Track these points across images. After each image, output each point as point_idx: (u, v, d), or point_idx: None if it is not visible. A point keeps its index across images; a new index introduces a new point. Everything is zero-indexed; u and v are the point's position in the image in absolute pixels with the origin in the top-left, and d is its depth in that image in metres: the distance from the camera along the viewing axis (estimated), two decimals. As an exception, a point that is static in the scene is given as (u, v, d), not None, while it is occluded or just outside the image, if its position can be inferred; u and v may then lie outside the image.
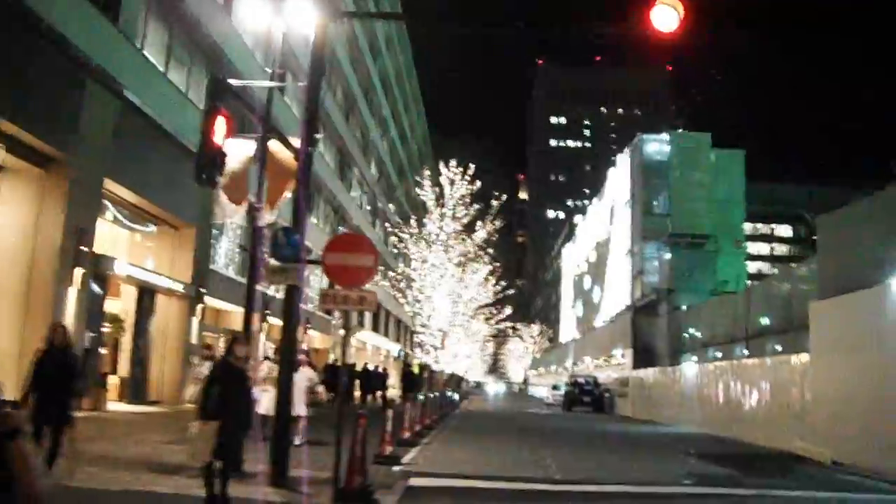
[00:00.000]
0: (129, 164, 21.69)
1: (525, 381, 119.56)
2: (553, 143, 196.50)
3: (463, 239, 38.90)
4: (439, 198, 39.10)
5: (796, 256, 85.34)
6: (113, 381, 23.83)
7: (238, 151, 12.80)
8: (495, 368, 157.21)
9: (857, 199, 19.76)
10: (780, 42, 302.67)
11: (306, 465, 11.58)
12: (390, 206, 48.40)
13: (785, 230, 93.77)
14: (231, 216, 12.72)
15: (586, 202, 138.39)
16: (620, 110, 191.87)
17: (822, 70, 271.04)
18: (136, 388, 24.22)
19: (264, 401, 14.24)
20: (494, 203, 40.24)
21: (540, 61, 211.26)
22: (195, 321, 26.38)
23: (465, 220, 38.89)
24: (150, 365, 25.06)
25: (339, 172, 50.83)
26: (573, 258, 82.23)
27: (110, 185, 21.40)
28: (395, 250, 41.83)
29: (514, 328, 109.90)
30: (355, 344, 56.30)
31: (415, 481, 11.79)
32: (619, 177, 51.46)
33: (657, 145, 46.32)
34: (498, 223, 40.11)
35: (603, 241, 59.29)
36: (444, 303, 39.32)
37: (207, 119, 8.63)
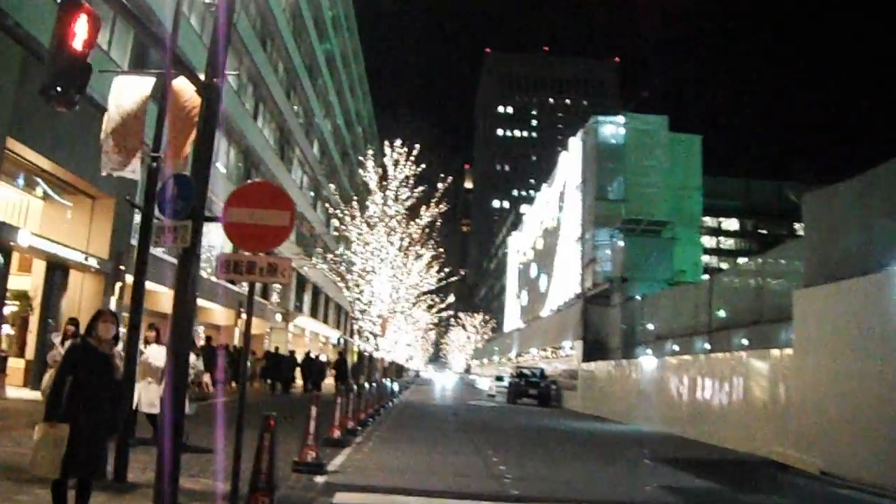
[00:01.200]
0: (38, 122, 19.04)
1: (467, 371, 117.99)
2: (500, 132, 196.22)
3: (406, 223, 36.59)
4: (382, 179, 36.80)
5: (743, 250, 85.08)
6: (18, 364, 21.34)
7: (133, 89, 10.32)
8: (437, 358, 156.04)
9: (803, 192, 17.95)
10: (728, 35, 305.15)
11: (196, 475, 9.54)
12: (332, 186, 45.79)
13: (731, 223, 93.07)
14: (120, 168, 10.20)
15: (532, 192, 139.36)
16: (568, 100, 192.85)
17: (769, 64, 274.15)
18: (41, 373, 21.42)
19: (147, 395, 11.97)
20: (440, 186, 37.92)
21: (487, 49, 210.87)
22: (113, 301, 23.69)
23: (408, 203, 36.57)
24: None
25: (280, 151, 48.15)
26: (519, 246, 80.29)
27: (15, 145, 18.77)
28: (336, 233, 39.38)
29: (455, 317, 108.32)
30: (293, 330, 53.78)
31: (341, 497, 9.48)
32: (571, 161, 49.47)
33: (612, 128, 44.36)
34: (443, 207, 37.73)
35: (552, 228, 57.37)
36: (384, 288, 37.04)
37: (64, 15, 6.06)
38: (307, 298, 60.38)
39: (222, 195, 34.61)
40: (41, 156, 20.00)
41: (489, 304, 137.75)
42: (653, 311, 35.52)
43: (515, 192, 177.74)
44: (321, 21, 58.95)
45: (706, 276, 40.11)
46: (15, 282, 21.75)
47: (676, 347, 31.79)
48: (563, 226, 50.37)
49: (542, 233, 62.12)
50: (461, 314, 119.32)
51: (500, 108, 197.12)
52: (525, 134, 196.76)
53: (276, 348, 42.48)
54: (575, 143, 49.22)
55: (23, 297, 21.69)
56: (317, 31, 56.84)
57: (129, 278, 25.35)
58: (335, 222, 38.61)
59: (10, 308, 21.66)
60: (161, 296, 37.76)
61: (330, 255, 39.31)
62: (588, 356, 40.10)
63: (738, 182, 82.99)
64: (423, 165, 37.24)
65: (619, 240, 40.57)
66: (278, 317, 49.44)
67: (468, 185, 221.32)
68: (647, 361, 29.31)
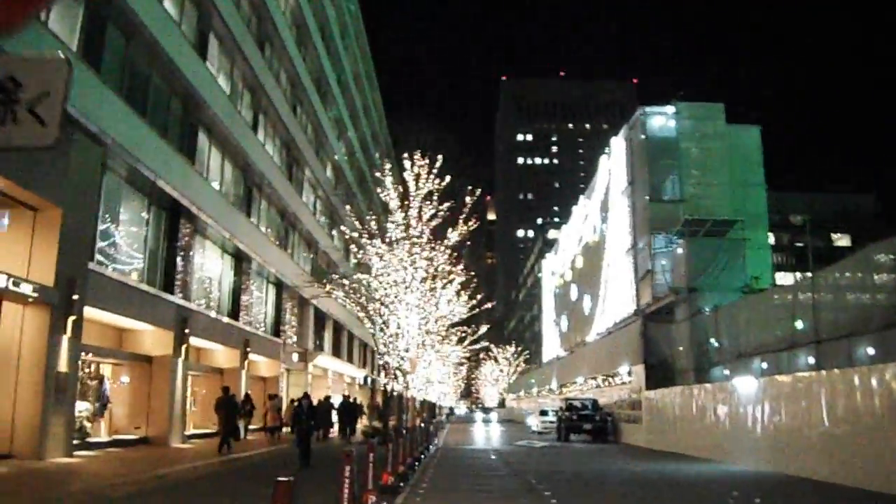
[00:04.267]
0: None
1: (501, 406, 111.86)
2: (520, 160, 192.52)
3: (431, 247, 31.61)
4: (403, 198, 31.95)
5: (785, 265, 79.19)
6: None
7: None
8: (468, 393, 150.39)
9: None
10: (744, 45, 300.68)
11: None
12: (348, 207, 41.01)
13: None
14: None
15: (556, 219, 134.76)
16: (587, 125, 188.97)
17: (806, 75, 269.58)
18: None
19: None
20: (468, 199, 32.86)
21: (504, 77, 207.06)
22: (65, 340, 18.51)
23: (433, 223, 31.61)
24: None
25: (287, 172, 43.12)
26: (554, 269, 74.45)
27: None
28: (356, 260, 34.38)
29: (487, 350, 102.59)
30: (313, 371, 48.42)
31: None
32: (614, 164, 43.98)
33: (661, 119, 39.02)
34: (472, 224, 32.62)
35: (593, 243, 51.85)
36: (411, 319, 31.99)
37: None
38: (328, 336, 55.07)
39: (219, 218, 29.59)
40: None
41: (521, 335, 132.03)
42: (730, 325, 30.01)
43: (539, 220, 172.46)
44: (327, 33, 54.17)
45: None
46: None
47: (765, 365, 26.35)
48: (608, 238, 44.74)
49: (582, 250, 56.55)
50: (492, 347, 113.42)
51: (520, 136, 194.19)
52: (546, 161, 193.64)
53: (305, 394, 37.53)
54: (618, 143, 43.82)
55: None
56: (323, 44, 52.07)
57: (90, 310, 20.41)
58: (353, 248, 33.76)
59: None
60: (216, 352, 32.89)
61: (347, 282, 34.45)
62: (651, 382, 34.46)
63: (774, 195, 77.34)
64: (448, 178, 32.39)
65: (680, 246, 35.12)
66: (295, 357, 44.22)
67: (491, 216, 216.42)
68: (745, 384, 23.64)
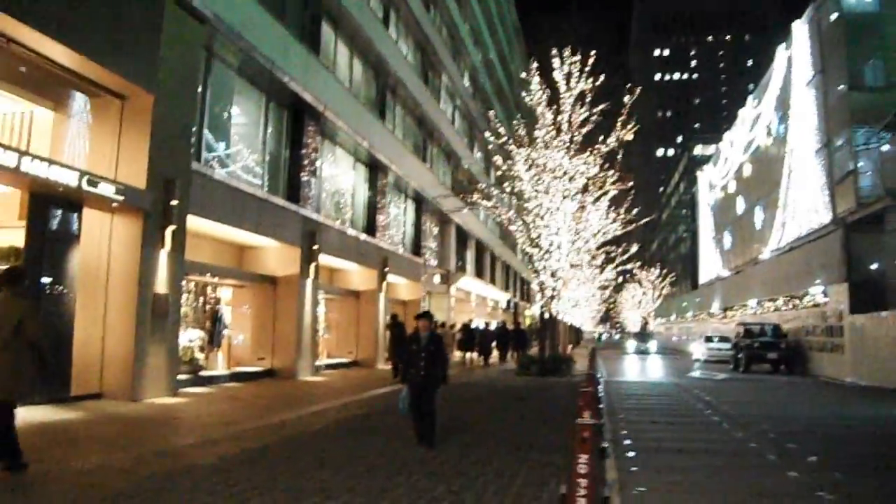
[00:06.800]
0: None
1: (643, 331, 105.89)
2: (657, 77, 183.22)
3: (589, 153, 27.69)
4: (552, 101, 27.68)
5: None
6: None
7: None
8: (607, 317, 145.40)
9: None
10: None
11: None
12: (492, 113, 36.72)
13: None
14: None
15: (701, 135, 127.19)
16: (728, 36, 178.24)
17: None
18: (48, 377, 12.74)
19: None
20: (626, 99, 28.30)
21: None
22: (163, 255, 14.95)
23: (584, 129, 27.29)
24: (74, 334, 13.75)
25: (424, 77, 38.87)
26: (713, 181, 68.01)
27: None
28: (501, 171, 30.19)
29: (629, 273, 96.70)
30: (455, 294, 44.74)
31: None
32: (797, 53, 37.76)
33: (859, -9, 32.80)
34: (632, 128, 28.12)
35: (767, 147, 45.85)
36: (563, 235, 27.94)
37: None
38: (470, 256, 51.19)
39: (351, 120, 25.76)
40: (40, 32, 11.89)
41: (665, 258, 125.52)
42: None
43: (680, 138, 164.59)
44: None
45: None
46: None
47: None
48: (789, 139, 38.73)
49: (751, 157, 50.46)
50: (635, 269, 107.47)
51: (656, 52, 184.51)
52: (685, 76, 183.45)
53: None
54: (800, 28, 37.48)
55: (11, 255, 13.16)
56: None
57: (198, 221, 16.86)
58: (498, 159, 29.71)
59: None
60: (350, 273, 29.55)
61: (497, 191, 30.61)
62: (858, 303, 29.08)
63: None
64: (603, 76, 27.89)
65: (887, 142, 29.38)
66: (437, 278, 40.52)
67: (627, 136, 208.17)
68: None
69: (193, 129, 16.80)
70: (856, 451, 12.07)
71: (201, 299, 19.45)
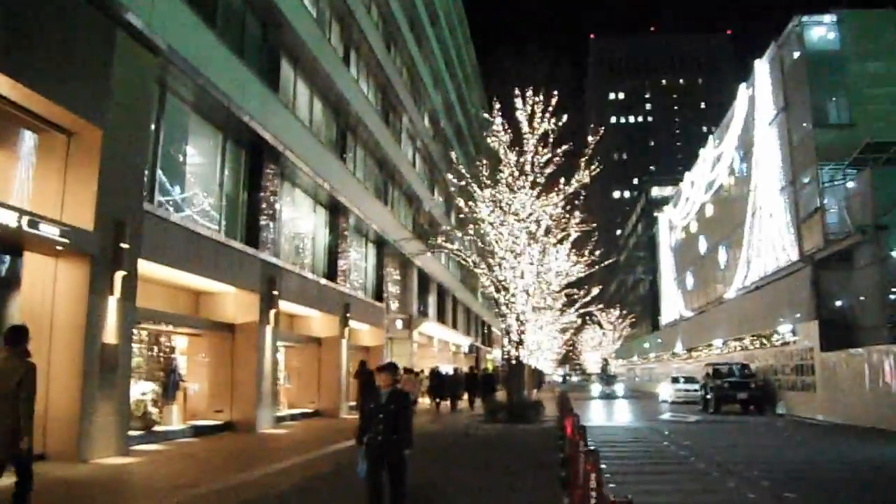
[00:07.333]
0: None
1: (604, 372, 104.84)
2: (613, 119, 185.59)
3: (545, 198, 27.64)
4: (514, 143, 27.36)
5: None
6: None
7: None
8: (567, 359, 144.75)
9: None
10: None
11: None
12: (453, 154, 36.20)
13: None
14: None
15: (656, 177, 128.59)
16: (681, 80, 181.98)
17: None
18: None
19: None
20: (590, 139, 28.37)
21: (592, 35, 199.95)
22: (112, 302, 13.90)
23: (547, 170, 27.07)
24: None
25: (384, 118, 38.20)
26: (674, 222, 67.88)
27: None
28: (464, 214, 29.63)
29: (588, 315, 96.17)
30: (418, 339, 43.80)
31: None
32: (759, 92, 37.66)
33: (822, 31, 32.83)
34: (595, 168, 27.98)
35: (729, 186, 45.77)
36: (527, 278, 27.48)
37: None
38: (432, 300, 50.25)
39: (311, 161, 24.92)
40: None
41: (623, 299, 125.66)
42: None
43: (636, 180, 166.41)
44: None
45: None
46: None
47: None
48: (753, 178, 38.49)
49: (713, 197, 50.40)
50: (595, 310, 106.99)
51: (612, 95, 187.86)
52: (640, 119, 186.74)
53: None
54: (762, 67, 37.39)
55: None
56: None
57: (151, 266, 15.86)
58: (460, 201, 29.25)
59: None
60: (310, 319, 28.45)
61: (461, 234, 30.21)
62: (827, 341, 28.62)
63: None
64: (566, 116, 27.69)
65: (856, 178, 29.23)
66: (399, 323, 39.59)
67: (586, 178, 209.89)
68: None
69: (146, 167, 15.84)
70: (859, 497, 11.34)
71: (155, 349, 18.34)
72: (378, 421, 8.22)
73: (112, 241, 13.84)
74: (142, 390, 17.04)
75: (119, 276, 13.96)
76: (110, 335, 13.83)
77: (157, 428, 17.34)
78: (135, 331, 15.67)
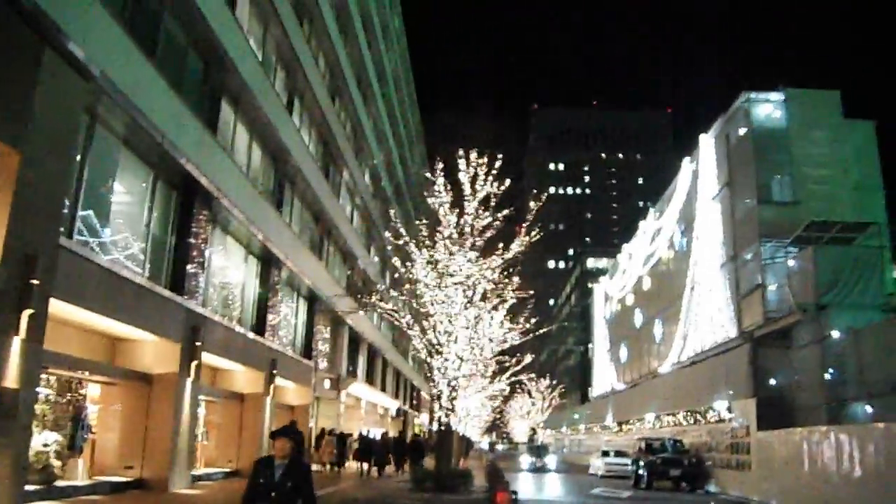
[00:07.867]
0: None
1: (532, 442, 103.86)
2: (552, 190, 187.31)
3: (483, 262, 27.05)
4: (455, 204, 26.75)
5: None
6: None
7: None
8: (494, 427, 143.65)
9: None
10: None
11: None
12: (393, 212, 35.52)
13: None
14: None
15: (589, 248, 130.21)
16: (620, 154, 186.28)
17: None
18: None
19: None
20: (532, 205, 28.05)
21: (534, 106, 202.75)
22: (16, 343, 12.61)
23: (487, 234, 26.75)
24: None
25: (325, 170, 37.39)
26: (610, 293, 67.85)
27: None
28: (401, 273, 28.85)
29: (519, 383, 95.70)
30: (345, 400, 42.48)
31: None
32: (703, 166, 37.77)
33: (768, 108, 33.13)
34: (535, 235, 27.62)
35: (668, 260, 45.76)
36: (460, 343, 26.66)
37: None
38: (361, 361, 49.02)
39: (245, 208, 23.87)
40: None
41: (553, 369, 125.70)
42: (874, 352, 24.00)
43: (571, 251, 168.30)
44: (370, 28, 48.67)
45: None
46: None
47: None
48: (694, 253, 38.38)
49: (651, 270, 50.37)
50: (525, 379, 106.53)
51: (552, 166, 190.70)
52: (578, 191, 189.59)
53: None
54: (707, 142, 37.60)
55: None
56: (366, 38, 46.55)
57: (64, 307, 14.62)
58: (397, 260, 28.51)
59: None
60: (235, 374, 27.07)
61: (396, 293, 29.44)
62: (765, 419, 28.23)
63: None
64: (509, 181, 27.28)
65: (797, 256, 29.22)
66: (327, 383, 38.34)
67: (524, 246, 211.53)
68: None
69: (66, 199, 14.71)
70: None
71: (64, 397, 16.97)
72: (270, 500, 6.63)
73: (20, 277, 12.61)
74: (44, 441, 15.63)
75: (26, 314, 12.67)
76: (11, 379, 12.51)
77: (58, 483, 15.87)
78: (42, 376, 14.37)
